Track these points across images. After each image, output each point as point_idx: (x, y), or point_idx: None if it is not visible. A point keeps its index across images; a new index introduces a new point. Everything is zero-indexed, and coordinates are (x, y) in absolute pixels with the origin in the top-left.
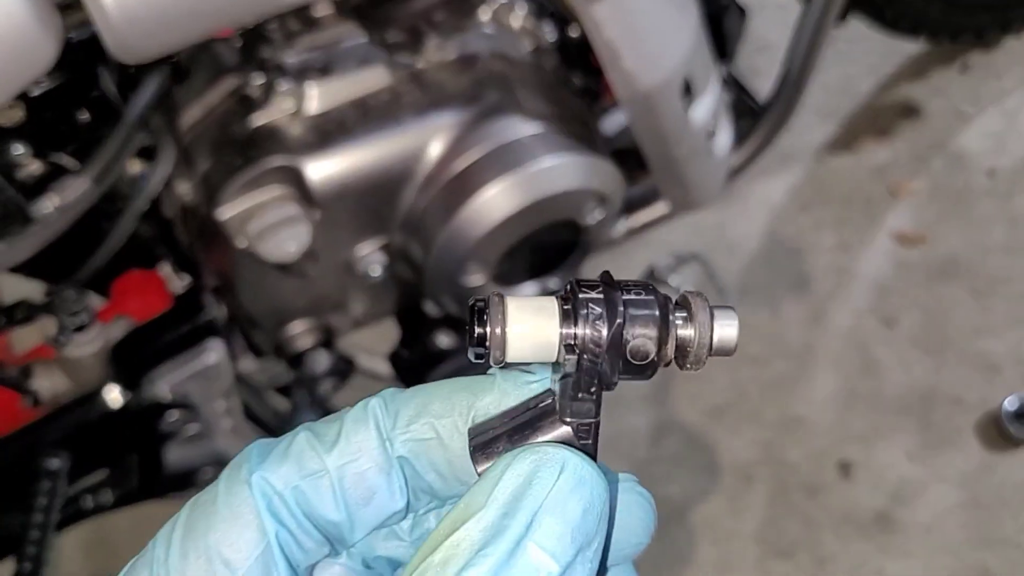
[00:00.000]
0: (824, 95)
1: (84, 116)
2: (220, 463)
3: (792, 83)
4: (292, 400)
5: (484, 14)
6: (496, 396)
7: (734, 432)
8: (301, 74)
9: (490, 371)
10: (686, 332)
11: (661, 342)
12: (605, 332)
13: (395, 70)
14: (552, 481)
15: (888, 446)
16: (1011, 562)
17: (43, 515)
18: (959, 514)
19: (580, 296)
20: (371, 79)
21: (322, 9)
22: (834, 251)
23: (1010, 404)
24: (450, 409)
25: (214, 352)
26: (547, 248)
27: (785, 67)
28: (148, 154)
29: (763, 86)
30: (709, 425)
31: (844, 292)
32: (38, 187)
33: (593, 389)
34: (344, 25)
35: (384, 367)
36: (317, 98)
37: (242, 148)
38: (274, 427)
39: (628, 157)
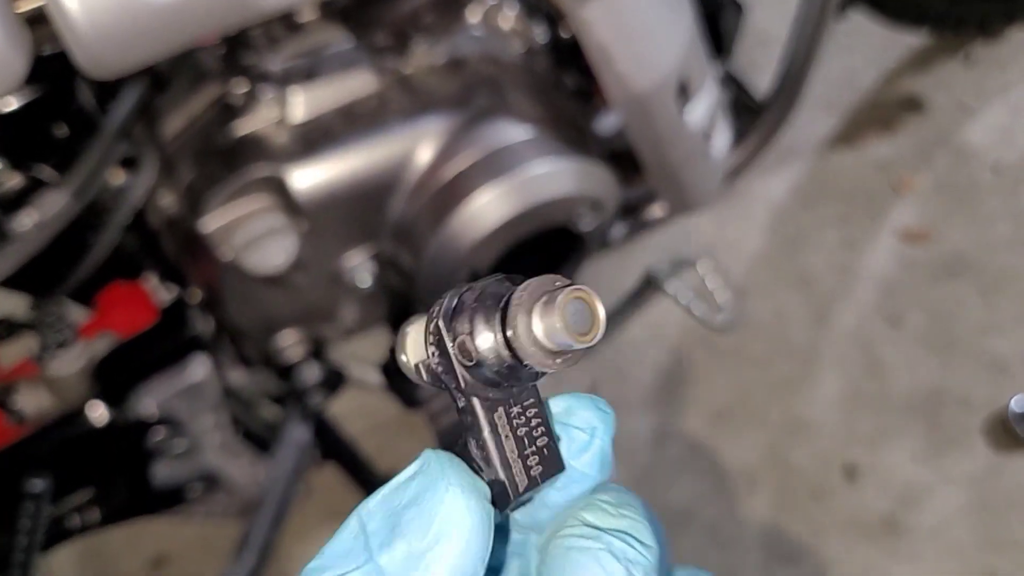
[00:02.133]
0: (825, 89)
1: (62, 130)
2: (209, 479)
3: (792, 79)
4: (283, 412)
5: (473, 16)
6: None
7: (737, 435)
8: (285, 81)
9: None
10: (509, 333)
11: (483, 341)
12: (440, 340)
13: (382, 75)
14: (401, 482)
15: (894, 448)
16: (1020, 565)
17: (27, 538)
18: (966, 517)
19: (431, 310)
20: (357, 85)
21: (306, 14)
22: (837, 249)
23: (1018, 404)
24: None
25: (200, 367)
26: (541, 255)
27: (785, 62)
28: (131, 164)
29: (763, 81)
30: (712, 429)
31: (848, 291)
32: (17, 202)
33: (461, 398)
34: (329, 30)
35: (376, 377)
36: (302, 105)
37: (226, 158)
38: (265, 440)
39: (623, 159)
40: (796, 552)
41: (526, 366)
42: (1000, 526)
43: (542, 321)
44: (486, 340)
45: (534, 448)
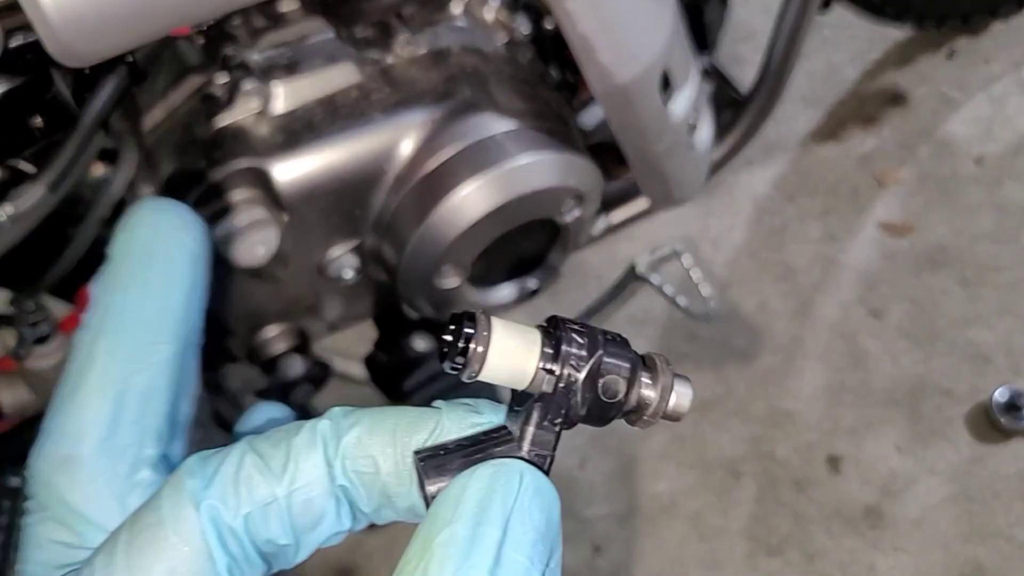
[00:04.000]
0: (809, 83)
1: (38, 121)
2: None
3: (775, 72)
4: None
5: (456, 7)
6: (438, 432)
7: (722, 427)
8: (266, 72)
9: (435, 403)
10: (648, 392)
11: (629, 388)
12: (585, 364)
13: (364, 66)
14: (515, 490)
15: (877, 439)
16: (1003, 555)
17: (4, 535)
18: (950, 507)
19: (564, 328)
20: (339, 76)
21: (287, 5)
22: (821, 242)
23: (1000, 395)
24: (390, 443)
25: None
26: (524, 248)
27: (768, 56)
28: (110, 157)
29: (746, 75)
30: (696, 420)
31: (831, 283)
32: None
33: (558, 420)
34: (310, 21)
35: (360, 371)
36: (283, 97)
37: (206, 150)
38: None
39: (607, 152)
40: (780, 543)
41: (623, 416)
42: (983, 516)
43: (681, 396)
44: (630, 391)
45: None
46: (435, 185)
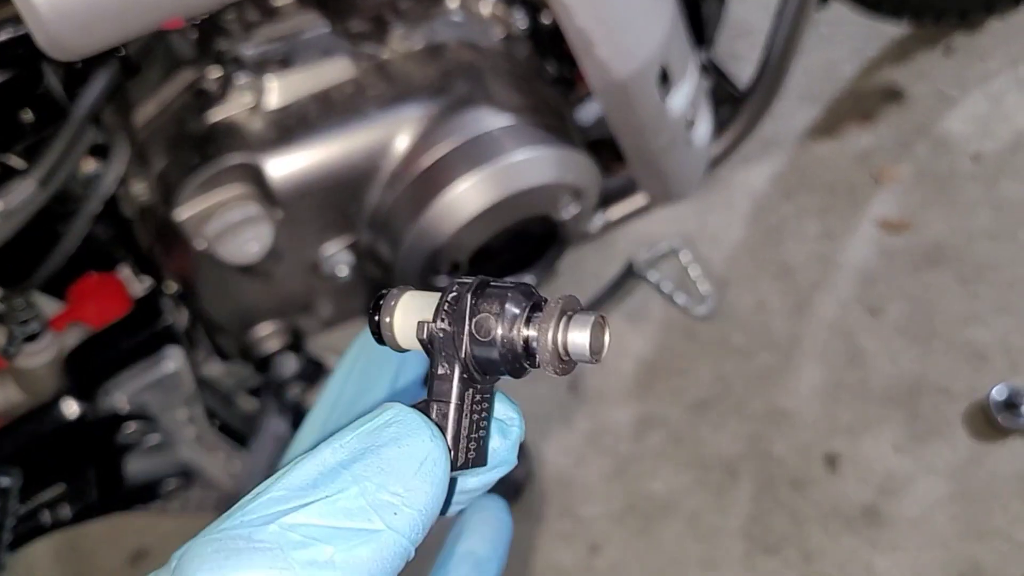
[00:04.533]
0: (806, 79)
1: (29, 115)
2: (184, 473)
3: (773, 69)
4: (260, 406)
5: (452, 1)
6: None
7: (719, 426)
8: (260, 67)
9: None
10: (529, 331)
11: (509, 328)
12: (459, 309)
13: (359, 61)
14: (378, 425)
15: (875, 438)
16: (1001, 554)
17: None
18: (948, 506)
19: (452, 285)
20: (334, 71)
21: None
22: (818, 239)
23: (998, 393)
24: None
25: (172, 360)
26: (521, 244)
27: (766, 52)
28: (102, 152)
29: (744, 71)
30: (693, 419)
31: (829, 281)
32: None
33: (453, 368)
34: (305, 15)
35: None
36: (277, 92)
37: (199, 145)
38: (242, 433)
39: (604, 148)
40: (778, 543)
41: (527, 364)
42: (981, 515)
43: (571, 333)
44: (509, 329)
45: (475, 436)
46: (431, 181)
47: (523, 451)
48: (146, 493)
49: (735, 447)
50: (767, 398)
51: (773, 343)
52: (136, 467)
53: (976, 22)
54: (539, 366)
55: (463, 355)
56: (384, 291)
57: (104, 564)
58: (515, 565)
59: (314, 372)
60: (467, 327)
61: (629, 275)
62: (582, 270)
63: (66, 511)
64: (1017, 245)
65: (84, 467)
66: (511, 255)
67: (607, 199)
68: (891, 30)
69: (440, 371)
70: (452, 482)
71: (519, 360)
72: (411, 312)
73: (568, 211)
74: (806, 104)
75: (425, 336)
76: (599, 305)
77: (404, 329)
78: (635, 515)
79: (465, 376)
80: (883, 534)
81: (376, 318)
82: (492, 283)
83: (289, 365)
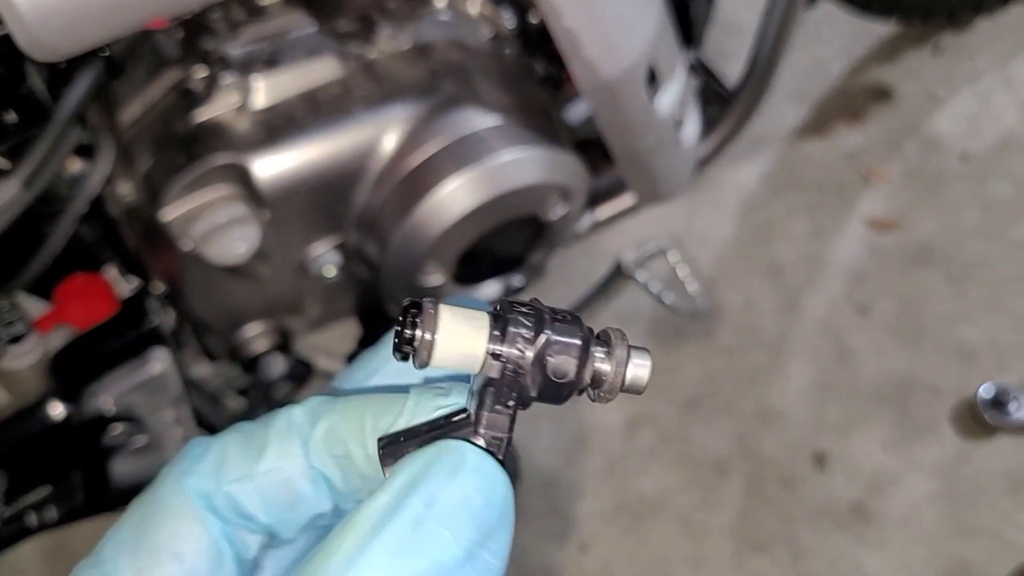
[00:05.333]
0: (795, 78)
1: (11, 116)
2: None
3: (762, 68)
4: (247, 406)
5: (440, 0)
6: (406, 417)
7: (708, 425)
8: (246, 66)
9: (412, 388)
10: (603, 366)
11: (581, 366)
12: (532, 346)
13: (346, 61)
14: (452, 468)
15: (863, 436)
16: (988, 551)
17: None
18: (935, 504)
19: (512, 311)
20: (321, 71)
21: None
22: (807, 238)
23: (986, 392)
24: (359, 428)
25: (159, 362)
26: (509, 245)
27: (754, 51)
28: (87, 152)
29: (733, 70)
30: (683, 418)
31: (818, 280)
32: None
33: (511, 403)
34: (291, 14)
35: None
36: (264, 91)
37: (185, 145)
38: None
39: (593, 147)
40: (767, 541)
41: (574, 394)
42: (968, 513)
43: (634, 368)
44: (581, 369)
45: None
46: (419, 181)
47: (511, 452)
48: (133, 495)
49: (724, 446)
50: (756, 397)
51: (762, 342)
52: (122, 469)
53: (964, 21)
54: (593, 399)
55: (534, 394)
56: (414, 301)
57: None
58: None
59: (302, 372)
60: (543, 366)
61: (617, 275)
62: (570, 269)
63: (52, 513)
64: (1005, 244)
65: (70, 469)
66: (499, 255)
67: (595, 199)
68: (880, 29)
69: (499, 404)
70: None
71: (576, 392)
72: (457, 331)
73: (556, 211)
74: (795, 103)
75: (488, 369)
76: (588, 305)
77: (449, 349)
78: (625, 514)
79: (520, 407)
80: (871, 532)
81: (411, 332)
82: (556, 315)
83: (277, 366)
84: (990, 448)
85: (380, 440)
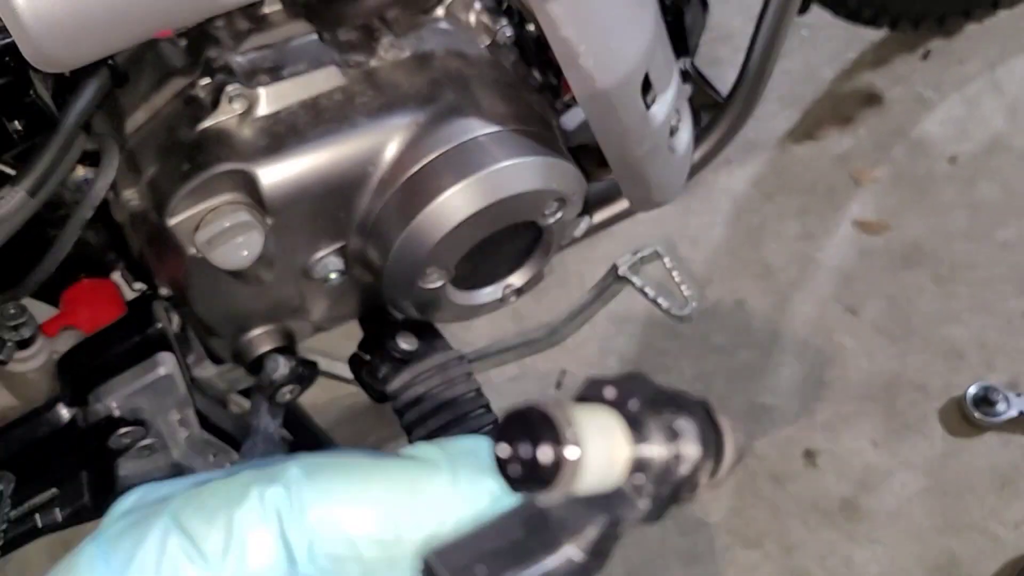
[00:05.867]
0: (786, 83)
1: (17, 124)
2: (177, 474)
3: (754, 74)
4: (251, 406)
5: (439, 10)
6: (445, 522)
7: None
8: (250, 75)
9: (410, 450)
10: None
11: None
12: (667, 454)
13: (347, 70)
14: None
15: (853, 434)
16: (977, 547)
17: None
18: (925, 500)
19: (641, 410)
20: (322, 79)
21: (270, 7)
22: (798, 240)
23: (974, 391)
24: (377, 521)
25: (164, 365)
26: (507, 249)
27: (747, 58)
28: (92, 159)
29: (725, 75)
30: None
31: (808, 281)
32: None
33: (623, 522)
34: (294, 23)
35: (346, 371)
36: (267, 99)
37: (190, 152)
38: (234, 435)
39: (589, 153)
40: (758, 536)
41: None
42: (958, 509)
43: (728, 451)
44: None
45: None
46: (419, 188)
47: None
48: None
49: None
50: (748, 395)
51: (753, 341)
52: (128, 469)
53: (954, 27)
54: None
55: (649, 508)
56: (533, 410)
57: None
58: None
59: (305, 374)
60: (677, 483)
61: (614, 279)
62: (566, 270)
63: (58, 515)
64: (992, 245)
65: (76, 471)
66: (498, 259)
67: (591, 203)
68: (870, 34)
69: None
70: None
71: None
72: (600, 452)
73: (553, 217)
74: (786, 107)
75: (625, 472)
76: (584, 310)
77: (598, 467)
78: None
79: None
80: (861, 527)
81: (554, 456)
82: (689, 417)
83: (281, 367)
84: (978, 446)
85: (434, 558)
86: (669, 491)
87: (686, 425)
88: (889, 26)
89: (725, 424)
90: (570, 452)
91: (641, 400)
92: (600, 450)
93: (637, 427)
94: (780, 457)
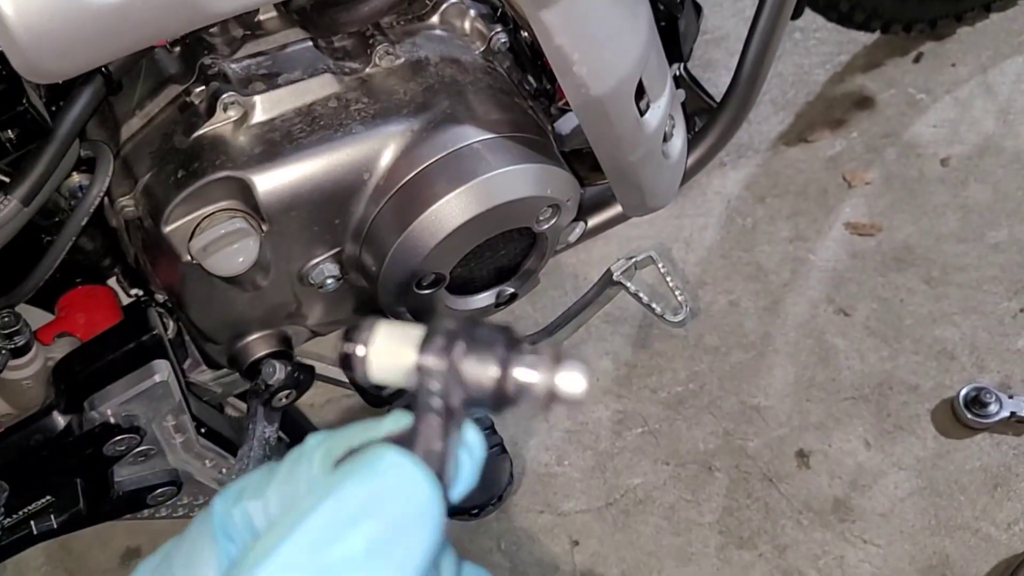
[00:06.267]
0: (779, 86)
1: (10, 133)
2: (172, 481)
3: (747, 80)
4: (248, 411)
5: (433, 17)
6: (370, 435)
7: (695, 423)
8: (245, 82)
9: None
10: (526, 378)
11: (501, 376)
12: (446, 356)
13: (342, 77)
14: (370, 469)
15: (845, 434)
16: (969, 547)
17: None
18: (917, 501)
19: (435, 325)
20: (317, 86)
21: (265, 14)
22: (790, 242)
23: (965, 392)
24: (350, 448)
25: (159, 372)
26: (502, 255)
27: (740, 63)
28: (88, 165)
29: (718, 78)
30: (670, 416)
31: (801, 282)
32: None
33: (440, 412)
34: (289, 31)
35: (343, 375)
36: (262, 106)
37: (185, 159)
38: (230, 440)
39: (583, 159)
40: (752, 536)
41: (511, 404)
42: (949, 510)
43: (564, 377)
44: (502, 374)
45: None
46: (414, 195)
47: (501, 458)
48: (134, 502)
49: (710, 443)
50: (741, 396)
51: (746, 342)
52: (124, 475)
53: (946, 30)
54: (533, 408)
55: (454, 397)
56: (356, 323)
57: (96, 564)
58: (497, 560)
59: (302, 378)
60: (461, 369)
61: (608, 284)
62: (561, 273)
63: (53, 522)
64: (984, 247)
65: (71, 479)
66: (493, 265)
67: (586, 209)
68: (862, 37)
69: (426, 410)
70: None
71: (506, 401)
72: (391, 346)
73: (548, 223)
74: (779, 110)
75: (413, 374)
76: (579, 314)
77: (382, 363)
78: (614, 510)
79: (450, 414)
80: (854, 528)
81: (349, 350)
82: (481, 326)
83: (277, 373)
84: (970, 447)
85: (339, 459)
86: (463, 397)
87: (467, 348)
88: (881, 29)
89: (545, 362)
90: (358, 349)
91: (467, 332)
92: (383, 352)
93: (431, 345)
94: (773, 458)
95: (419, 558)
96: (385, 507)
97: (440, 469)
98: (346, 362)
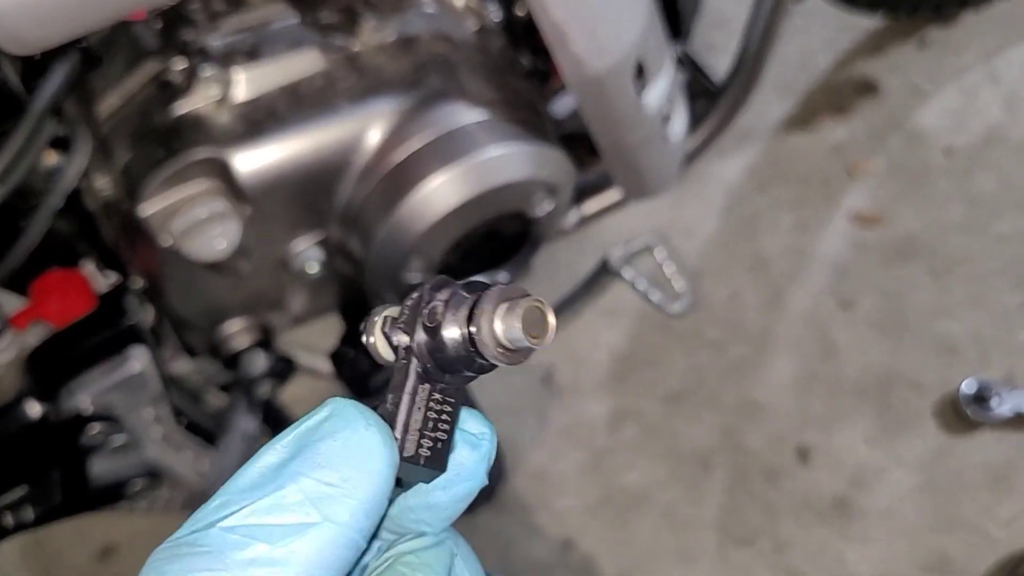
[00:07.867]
0: (781, 71)
1: None
2: (151, 473)
3: (749, 63)
4: (228, 403)
5: None
6: None
7: (693, 418)
8: (227, 58)
9: None
10: (472, 324)
11: (451, 318)
12: (414, 307)
13: (329, 53)
14: (320, 418)
15: (846, 430)
16: (970, 545)
17: None
18: (917, 498)
19: (417, 286)
20: (303, 63)
21: None
22: (792, 232)
23: (968, 387)
24: None
25: (137, 360)
26: (495, 241)
27: (742, 46)
28: (63, 145)
29: (720, 62)
30: (667, 411)
31: (802, 274)
32: None
33: (403, 361)
34: (273, 5)
35: (325, 365)
36: (244, 84)
37: (164, 139)
38: (210, 431)
39: (579, 142)
40: (751, 534)
41: (478, 359)
42: (950, 507)
43: (503, 322)
44: (454, 322)
45: (432, 436)
46: (403, 177)
47: (496, 451)
48: (112, 494)
49: (709, 439)
50: (740, 390)
51: (746, 336)
52: (101, 467)
53: (951, 15)
54: (489, 359)
55: (416, 348)
56: (381, 307)
57: (72, 561)
58: (491, 559)
59: (284, 369)
60: (419, 321)
61: (604, 272)
62: (556, 262)
63: (29, 513)
64: (988, 239)
65: (47, 469)
66: (485, 251)
67: (582, 194)
68: (865, 22)
69: (398, 365)
70: (408, 483)
71: (471, 355)
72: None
73: (542, 207)
74: (780, 96)
75: (388, 334)
76: (573, 302)
77: (382, 344)
78: (610, 508)
79: (420, 371)
80: (854, 525)
81: (364, 339)
82: (448, 281)
83: (258, 362)
84: (972, 443)
85: None
86: (429, 362)
87: (433, 300)
88: (886, 14)
89: (485, 303)
90: (369, 338)
91: (424, 288)
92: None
93: (400, 317)
94: (772, 454)
95: (356, 507)
96: (317, 446)
97: (404, 423)
98: (337, 359)
